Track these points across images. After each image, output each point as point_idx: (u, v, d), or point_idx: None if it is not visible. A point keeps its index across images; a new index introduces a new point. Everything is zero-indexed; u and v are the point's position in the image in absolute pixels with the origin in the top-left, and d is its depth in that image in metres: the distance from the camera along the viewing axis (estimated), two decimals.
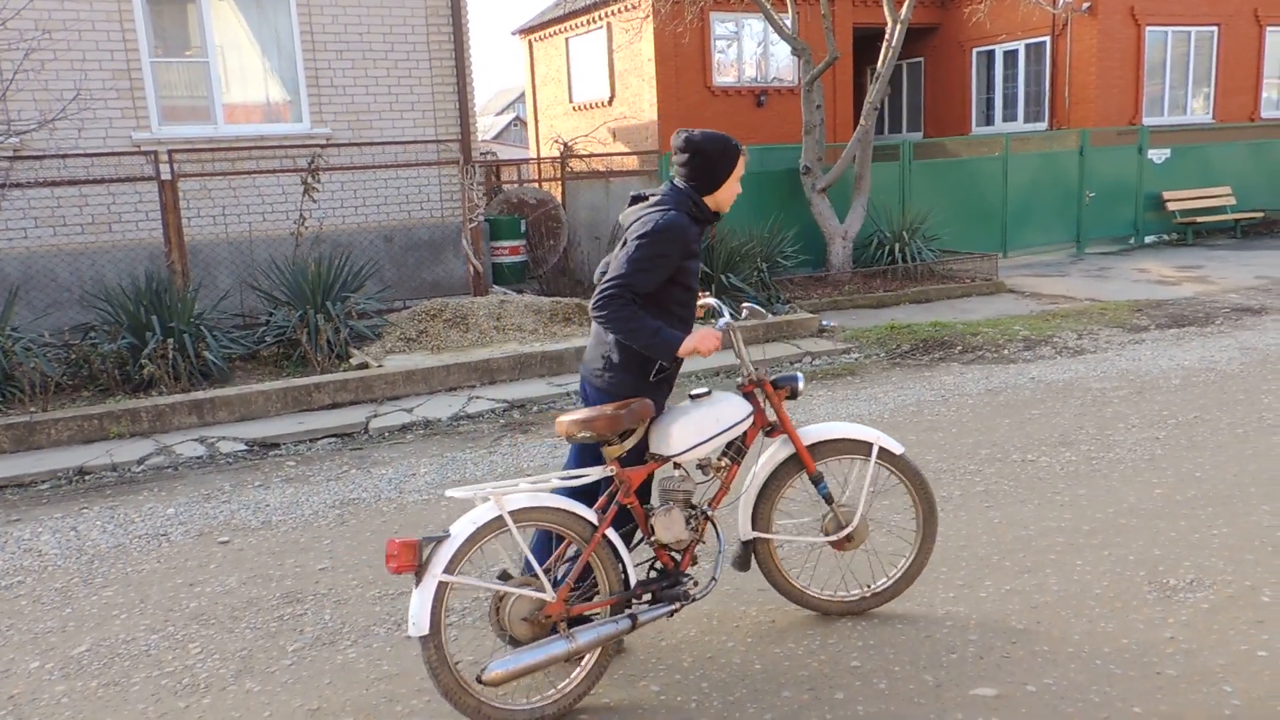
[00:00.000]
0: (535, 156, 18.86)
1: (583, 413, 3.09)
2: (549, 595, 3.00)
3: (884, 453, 3.50)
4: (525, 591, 2.99)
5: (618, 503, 3.14)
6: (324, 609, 3.93)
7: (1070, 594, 3.75)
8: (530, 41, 20.28)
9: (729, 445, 3.35)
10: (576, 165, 14.67)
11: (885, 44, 11.14)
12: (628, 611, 3.14)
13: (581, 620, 3.13)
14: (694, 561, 3.34)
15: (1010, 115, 17.41)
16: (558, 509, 3.03)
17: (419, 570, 2.85)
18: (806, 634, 3.52)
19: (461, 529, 2.92)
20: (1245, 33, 16.96)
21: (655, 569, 3.32)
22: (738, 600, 3.82)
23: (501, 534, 2.98)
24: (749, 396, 3.39)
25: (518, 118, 36.19)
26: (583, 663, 3.09)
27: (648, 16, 15.69)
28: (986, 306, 9.87)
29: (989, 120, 17.82)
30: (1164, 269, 11.84)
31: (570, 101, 18.98)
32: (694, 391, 3.32)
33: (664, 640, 3.42)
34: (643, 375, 3.21)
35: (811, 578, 3.79)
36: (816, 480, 3.49)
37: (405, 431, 6.46)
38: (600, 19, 17.40)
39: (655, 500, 3.40)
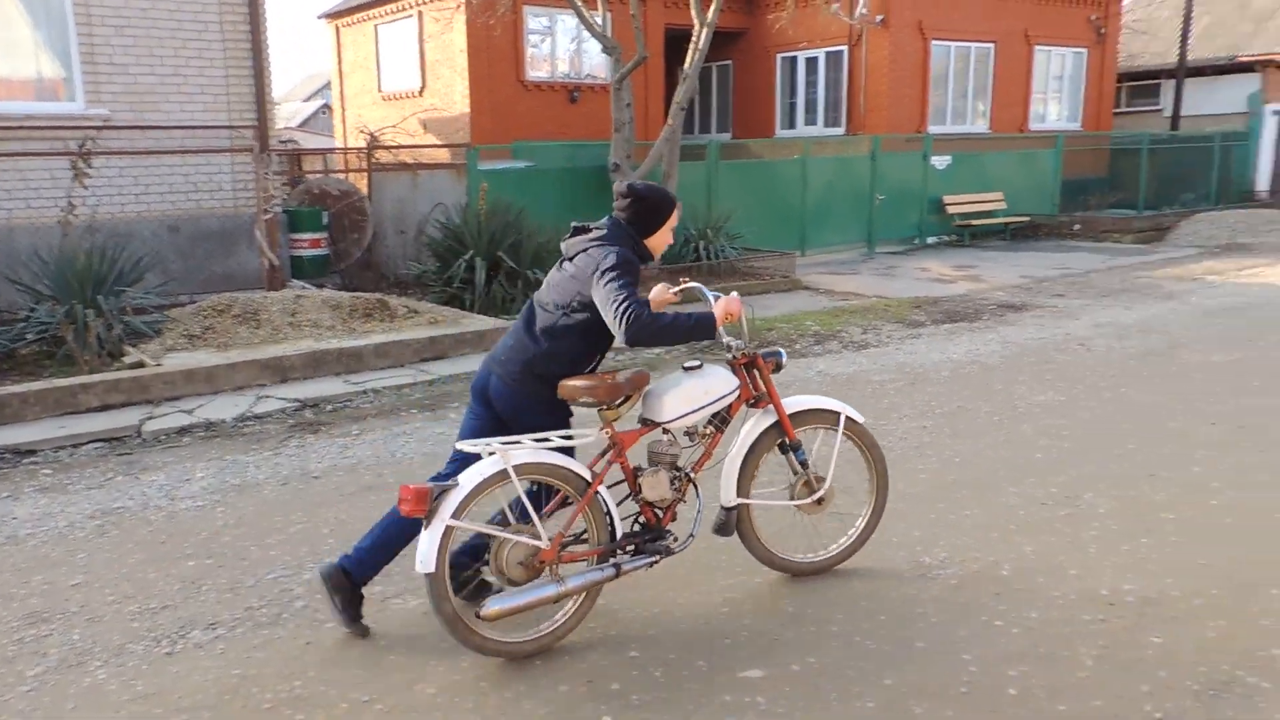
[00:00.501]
0: (341, 147, 18.20)
1: (588, 379, 3.35)
2: (543, 543, 3.28)
3: (849, 422, 3.84)
4: (522, 538, 3.26)
5: (609, 462, 3.44)
6: (73, 629, 3.64)
7: (838, 578, 3.96)
8: (338, 27, 19.53)
9: (715, 415, 3.63)
10: (384, 157, 14.27)
11: (692, 46, 11.42)
12: (612, 561, 3.44)
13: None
14: (674, 519, 3.61)
15: (811, 120, 18.24)
16: (556, 465, 3.33)
17: (428, 514, 3.11)
18: (588, 628, 3.56)
19: (469, 479, 3.19)
20: (1017, 51, 18.46)
21: (639, 524, 3.58)
22: None
23: (505, 485, 3.25)
24: (736, 370, 3.66)
25: (326, 105, 34.75)
26: (569, 604, 3.40)
27: (459, 7, 15.43)
28: (784, 303, 10.31)
29: (792, 124, 18.60)
30: (943, 268, 12.74)
31: (379, 91, 18.43)
32: (687, 364, 3.62)
33: (445, 643, 3.38)
34: (553, 386, 3.40)
35: (784, 542, 3.98)
36: (795, 447, 3.78)
37: (183, 434, 6.08)
38: (410, 6, 16.97)
39: (645, 462, 3.62)
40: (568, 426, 3.49)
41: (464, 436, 3.51)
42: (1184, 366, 7.37)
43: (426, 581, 3.15)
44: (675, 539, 3.60)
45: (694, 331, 3.39)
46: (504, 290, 9.34)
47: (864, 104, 17.06)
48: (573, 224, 3.60)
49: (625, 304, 3.23)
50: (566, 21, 16.47)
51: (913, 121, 17.06)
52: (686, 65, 11.45)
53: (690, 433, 3.63)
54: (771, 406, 3.72)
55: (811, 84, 18.20)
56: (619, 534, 3.47)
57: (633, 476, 3.52)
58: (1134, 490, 4.82)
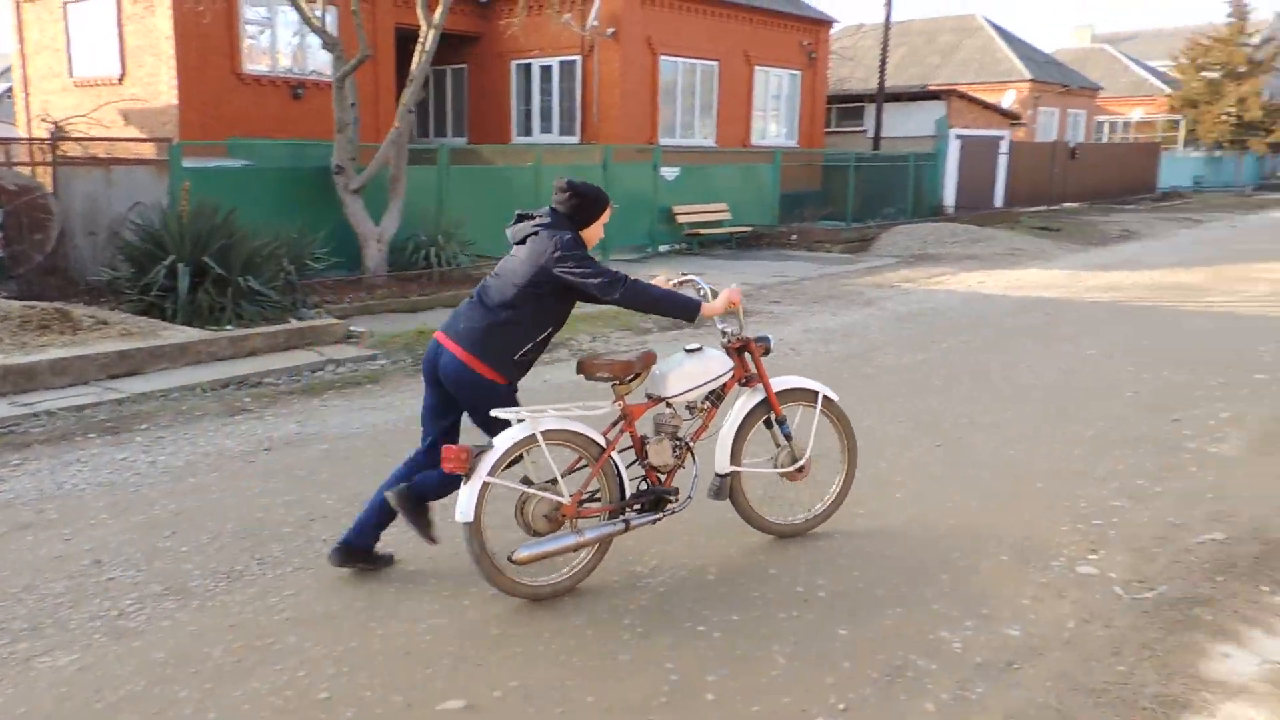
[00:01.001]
0: (26, 137, 16.18)
1: (605, 359, 3.91)
2: (565, 499, 3.77)
3: (826, 400, 4.40)
4: (546, 494, 3.75)
5: (620, 431, 3.95)
6: None
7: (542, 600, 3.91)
8: (18, 2, 17.36)
9: (711, 392, 4.15)
10: (73, 150, 12.80)
11: (419, 47, 11.11)
12: (622, 517, 3.94)
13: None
14: (672, 482, 4.11)
15: (547, 127, 18.35)
16: (577, 432, 3.81)
17: (468, 471, 3.58)
18: (274, 668, 3.29)
19: (502, 442, 3.65)
20: (739, 71, 19.51)
21: (645, 485, 4.06)
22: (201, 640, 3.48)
23: (533, 448, 3.73)
24: (730, 353, 4.19)
25: (9, 90, 30.86)
26: (585, 554, 3.90)
27: None
28: None
29: (528, 131, 18.63)
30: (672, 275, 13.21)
31: (70, 76, 16.56)
32: (688, 346, 4.15)
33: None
34: (510, 356, 3.80)
35: (768, 507, 4.48)
36: (780, 421, 4.30)
37: None
38: None
39: (650, 431, 4.10)
40: (506, 404, 3.79)
41: (426, 414, 4.03)
42: (879, 368, 8.01)
43: (464, 530, 3.63)
44: (676, 499, 4.09)
45: (679, 310, 3.89)
46: (211, 299, 8.61)
47: (597, 114, 17.37)
48: (516, 211, 3.98)
49: (611, 273, 3.77)
50: (289, 13, 15.56)
51: (644, 133, 17.58)
52: (413, 67, 11.13)
53: (690, 407, 4.17)
54: (761, 385, 4.26)
55: (547, 92, 18.31)
56: (628, 493, 3.95)
57: (640, 444, 4.04)
58: None
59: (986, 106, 25.04)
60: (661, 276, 4.22)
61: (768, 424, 4.33)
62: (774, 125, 21.02)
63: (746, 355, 4.25)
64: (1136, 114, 43.34)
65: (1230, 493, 5.07)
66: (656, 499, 4.04)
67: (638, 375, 3.95)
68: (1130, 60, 45.88)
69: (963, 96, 24.09)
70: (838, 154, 21.35)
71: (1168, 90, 42.08)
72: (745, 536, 4.46)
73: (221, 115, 14.77)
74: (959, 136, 23.60)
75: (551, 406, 3.78)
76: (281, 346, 8.13)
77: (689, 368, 4.06)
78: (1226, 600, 3.88)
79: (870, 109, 23.90)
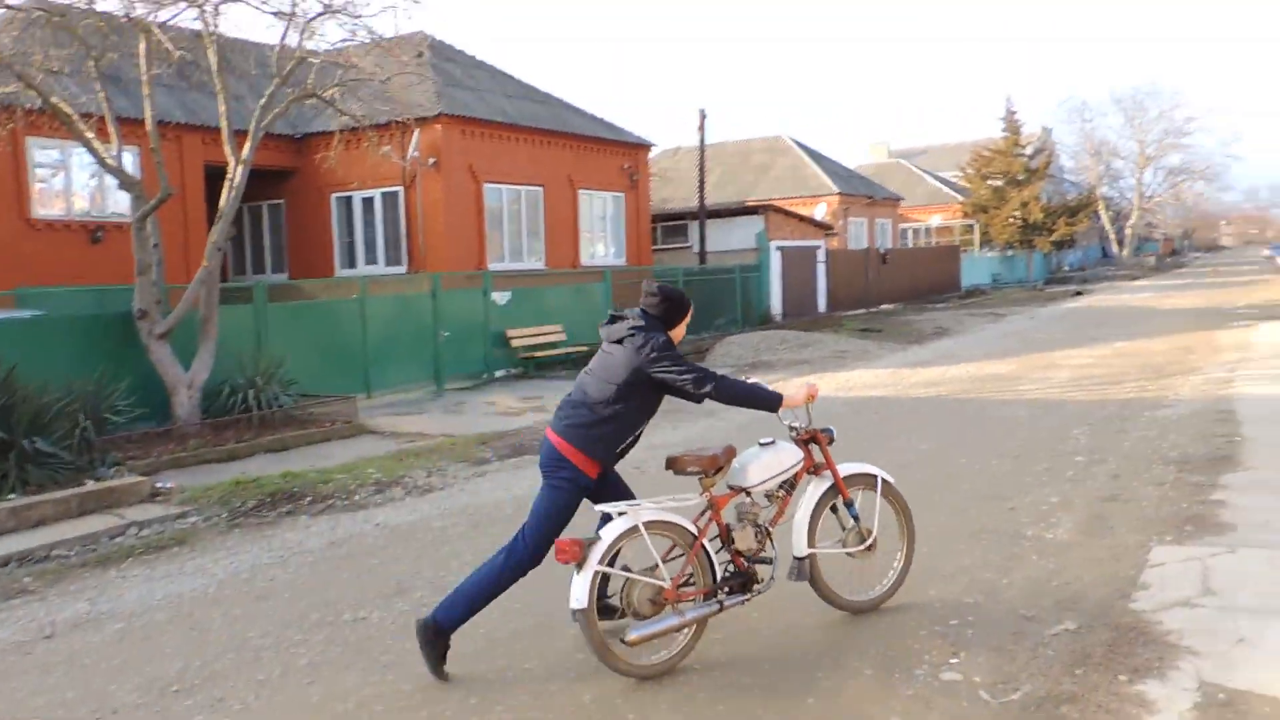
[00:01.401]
0: None
1: (694, 455, 4.27)
2: (666, 583, 4.09)
3: (885, 482, 4.76)
4: (650, 580, 4.08)
5: (709, 519, 4.29)
6: None
7: None
8: None
9: (784, 481, 4.49)
10: None
11: (227, 183, 10.67)
12: (715, 599, 4.24)
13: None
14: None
15: (372, 259, 17.98)
16: (673, 522, 4.16)
17: (581, 561, 3.91)
18: None
19: (609, 534, 4.00)
20: (564, 195, 19.85)
21: (730, 569, 4.35)
22: None
23: (635, 539, 4.07)
24: (799, 445, 4.55)
25: None
26: (686, 634, 4.19)
27: None
28: (345, 450, 9.66)
29: (352, 263, 18.20)
30: (510, 400, 12.89)
31: None
32: (762, 440, 4.51)
33: None
34: (613, 449, 4.25)
35: (841, 585, 4.69)
36: (849, 504, 4.64)
37: None
38: None
39: (733, 519, 4.45)
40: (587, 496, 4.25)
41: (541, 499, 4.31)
42: None
43: (580, 617, 3.90)
44: (761, 580, 4.39)
45: (765, 403, 4.31)
46: None
47: (423, 243, 17.18)
48: (610, 312, 4.43)
49: (702, 370, 4.22)
50: (84, 155, 14.78)
51: (473, 259, 17.47)
52: (222, 203, 10.65)
53: (768, 495, 4.48)
54: (829, 472, 4.62)
55: (369, 223, 18.02)
56: (719, 577, 4.25)
57: (725, 531, 4.34)
58: None
59: (801, 219, 26.43)
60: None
61: (834, 509, 4.67)
62: (602, 245, 21.39)
63: (813, 445, 4.61)
64: (936, 220, 46.98)
65: (1072, 577, 5.13)
66: (745, 580, 4.35)
67: (720, 469, 4.28)
68: (924, 172, 49.97)
69: (779, 210, 25.35)
70: (666, 270, 21.86)
71: (960, 198, 45.92)
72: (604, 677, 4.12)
73: (10, 264, 13.69)
74: (779, 247, 24.75)
75: (646, 500, 4.15)
76: (75, 512, 7.28)
77: (766, 459, 4.42)
78: (1088, 694, 3.82)
79: (694, 225, 24.78)
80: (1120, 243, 58.71)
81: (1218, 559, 5.21)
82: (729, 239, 24.99)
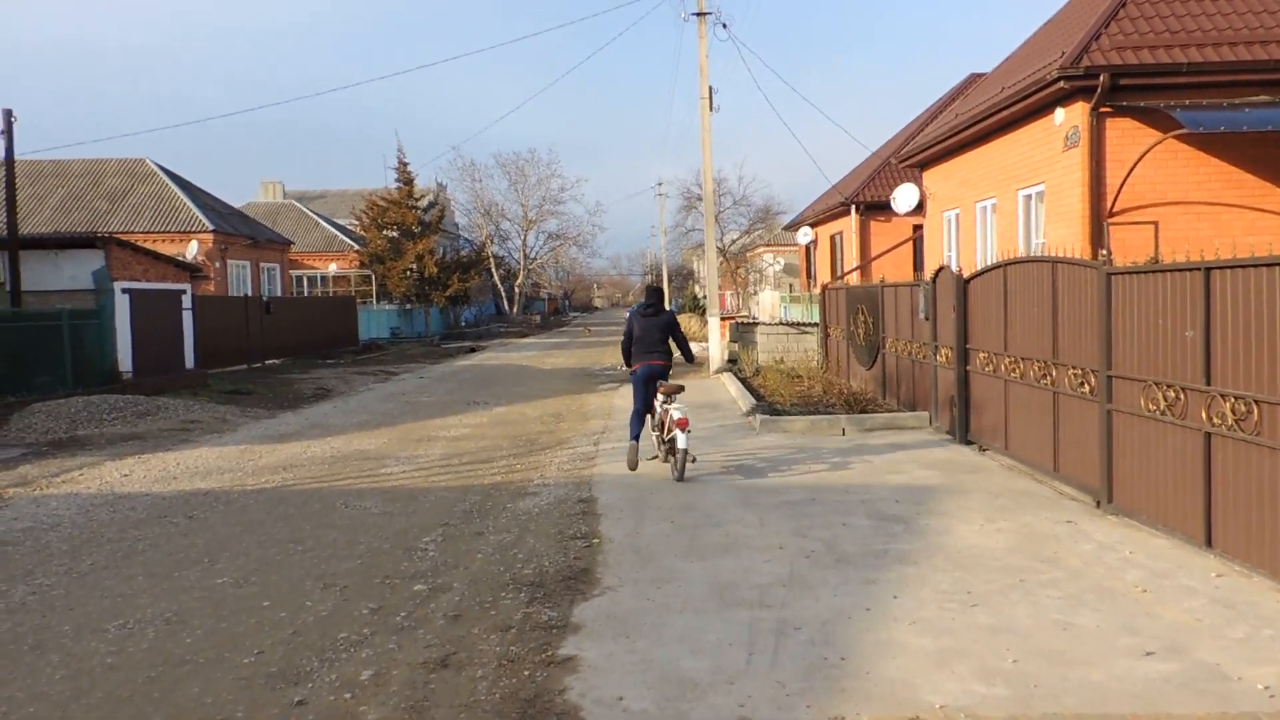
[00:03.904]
0: None
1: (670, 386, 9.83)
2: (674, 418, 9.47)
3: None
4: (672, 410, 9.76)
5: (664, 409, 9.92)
6: None
7: None
8: None
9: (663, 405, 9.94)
10: None
11: None
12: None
13: None
14: None
15: None
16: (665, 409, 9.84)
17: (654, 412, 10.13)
18: None
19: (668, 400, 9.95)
20: None
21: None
22: None
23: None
24: (666, 395, 10.02)
25: None
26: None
27: None
28: None
29: None
30: None
31: None
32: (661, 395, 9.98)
33: None
34: (670, 356, 10.22)
35: None
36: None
37: None
38: None
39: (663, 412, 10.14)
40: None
41: (644, 402, 10.01)
42: None
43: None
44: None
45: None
46: None
47: None
48: (642, 301, 10.28)
49: (687, 342, 10.44)
50: None
51: None
52: None
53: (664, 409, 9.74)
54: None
55: None
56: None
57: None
58: None
59: (159, 258, 22.35)
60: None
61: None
62: None
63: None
64: (332, 268, 44.91)
65: None
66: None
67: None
68: (319, 217, 47.71)
69: (126, 245, 21.05)
70: None
71: (357, 247, 44.51)
72: None
73: None
74: (128, 290, 20.49)
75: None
76: None
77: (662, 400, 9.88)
78: None
79: (4, 258, 19.37)
80: (511, 300, 62.58)
81: None
82: (58, 277, 20.03)
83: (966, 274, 11.10)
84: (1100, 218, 12.10)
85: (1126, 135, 11.96)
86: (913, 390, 13.07)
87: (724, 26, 22.26)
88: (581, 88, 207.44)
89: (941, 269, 11.79)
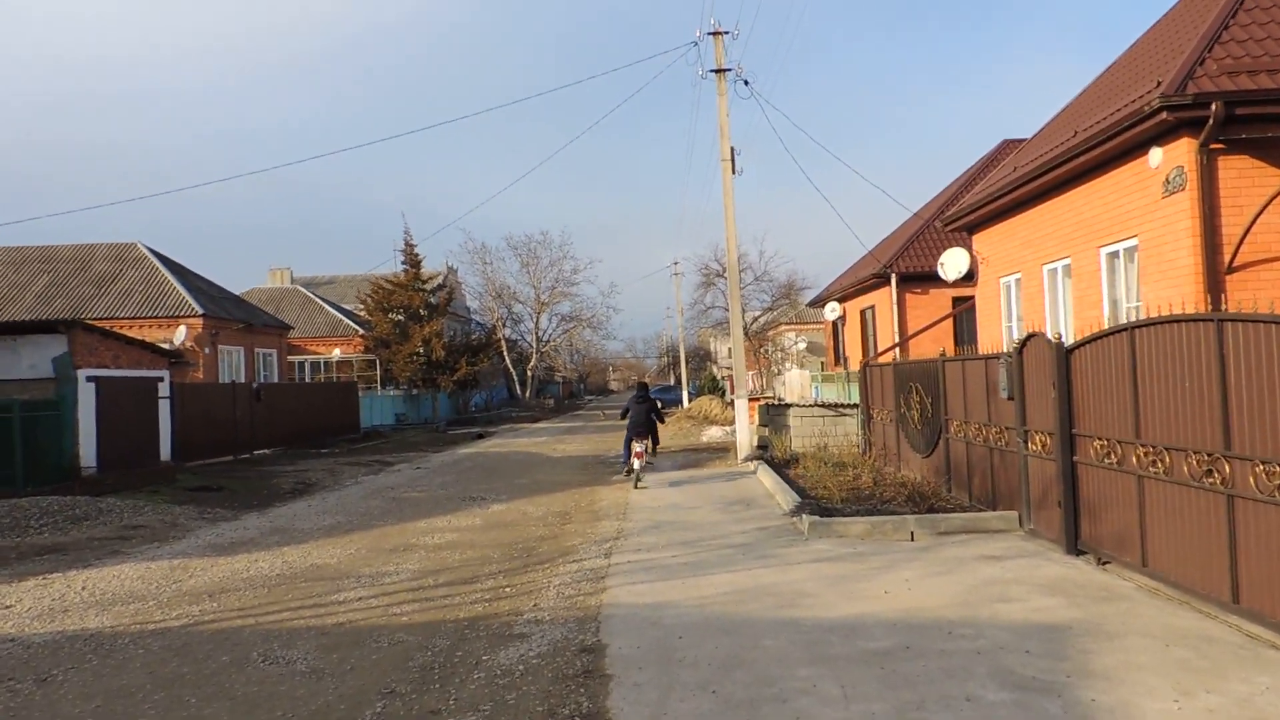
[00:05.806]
0: None
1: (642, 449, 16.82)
2: (636, 467, 16.61)
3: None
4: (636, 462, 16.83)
5: (638, 455, 17.05)
6: None
7: None
8: None
9: (638, 453, 17.14)
10: None
11: None
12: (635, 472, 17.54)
13: None
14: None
15: None
16: (639, 455, 16.86)
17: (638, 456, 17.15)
18: None
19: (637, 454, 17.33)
20: None
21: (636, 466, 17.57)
22: None
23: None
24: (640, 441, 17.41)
25: None
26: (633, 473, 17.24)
27: None
28: None
29: None
30: None
31: None
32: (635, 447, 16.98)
33: None
34: (653, 433, 17.40)
35: None
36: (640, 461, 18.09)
37: None
38: None
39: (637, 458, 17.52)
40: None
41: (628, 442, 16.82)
42: None
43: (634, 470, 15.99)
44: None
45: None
46: None
47: None
48: (637, 384, 23.13)
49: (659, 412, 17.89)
50: None
51: None
52: None
53: (638, 456, 16.45)
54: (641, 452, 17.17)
55: None
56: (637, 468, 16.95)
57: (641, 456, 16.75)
58: None
59: (131, 342, 20.44)
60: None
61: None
62: None
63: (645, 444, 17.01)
64: (336, 353, 43.15)
65: None
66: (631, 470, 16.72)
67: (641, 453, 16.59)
68: (324, 301, 46.21)
69: (93, 330, 19.17)
70: None
71: (362, 331, 42.82)
72: None
73: None
74: (93, 378, 18.55)
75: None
76: None
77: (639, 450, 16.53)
78: None
79: None
80: (524, 384, 60.57)
81: None
82: (16, 365, 18.12)
83: (1068, 342, 8.89)
84: (1217, 273, 9.94)
85: (1245, 176, 9.86)
86: (990, 484, 10.75)
87: (745, 83, 20.23)
88: (594, 169, 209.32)
89: (1032, 336, 9.57)
